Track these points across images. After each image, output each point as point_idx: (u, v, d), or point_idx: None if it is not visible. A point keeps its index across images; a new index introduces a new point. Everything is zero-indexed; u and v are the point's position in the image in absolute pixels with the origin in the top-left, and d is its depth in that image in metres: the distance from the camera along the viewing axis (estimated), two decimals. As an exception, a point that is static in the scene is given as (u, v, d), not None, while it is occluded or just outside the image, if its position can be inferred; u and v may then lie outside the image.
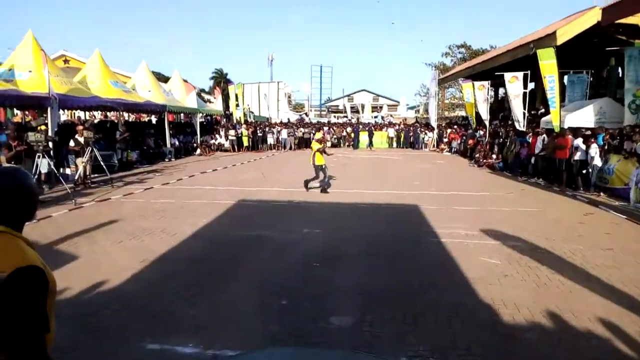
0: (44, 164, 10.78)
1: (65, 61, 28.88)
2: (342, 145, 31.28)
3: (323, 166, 11.62)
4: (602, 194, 11.37)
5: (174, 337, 3.98)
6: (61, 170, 13.27)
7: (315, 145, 11.80)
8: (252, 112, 40.79)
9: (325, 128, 32.20)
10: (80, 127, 12.95)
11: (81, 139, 12.28)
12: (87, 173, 12.64)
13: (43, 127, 12.08)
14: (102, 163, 12.36)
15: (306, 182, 11.79)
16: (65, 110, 25.40)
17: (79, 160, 12.46)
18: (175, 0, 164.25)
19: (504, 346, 3.85)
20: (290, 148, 28.97)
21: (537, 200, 10.95)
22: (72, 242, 6.96)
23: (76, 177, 12.46)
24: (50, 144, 11.43)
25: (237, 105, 32.98)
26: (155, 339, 3.96)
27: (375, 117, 49.20)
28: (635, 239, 7.29)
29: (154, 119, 29.07)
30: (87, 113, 26.66)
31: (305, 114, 56.37)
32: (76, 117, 25.74)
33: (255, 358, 3.35)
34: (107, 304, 4.69)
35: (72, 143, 12.66)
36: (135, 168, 17.25)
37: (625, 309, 4.50)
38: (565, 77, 19.98)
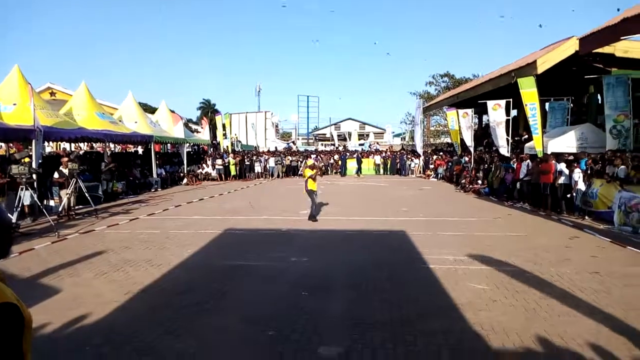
0: (27, 196, 10.65)
1: (52, 94, 28.90)
2: (329, 172, 31.42)
3: (315, 192, 11.66)
4: (586, 217, 11.51)
5: (158, 372, 3.87)
6: (45, 202, 13.10)
7: (307, 172, 11.82)
8: (240, 142, 40.93)
9: (313, 156, 32.36)
10: (65, 159, 12.86)
11: (65, 171, 12.18)
12: (72, 205, 12.48)
13: (27, 160, 11.95)
14: (86, 194, 12.23)
15: (310, 217, 11.58)
16: (51, 142, 25.31)
17: (63, 192, 12.32)
18: (161, 32, 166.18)
19: (494, 373, 3.80)
20: (278, 176, 29.02)
21: (524, 224, 11.03)
22: (55, 275, 6.81)
23: (60, 209, 12.30)
24: (34, 176, 11.30)
25: (225, 134, 33.09)
26: (139, 374, 3.84)
27: (362, 144, 49.57)
28: (621, 262, 7.35)
29: (140, 150, 28.99)
30: (73, 145, 26.50)
31: (293, 142, 56.60)
32: (61, 149, 25.56)
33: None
34: (90, 338, 4.56)
35: (56, 175, 12.54)
36: (120, 199, 17.06)
37: (613, 332, 4.50)
38: (547, 104, 20.45)
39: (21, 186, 10.06)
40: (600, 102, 20.52)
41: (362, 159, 31.48)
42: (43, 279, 6.60)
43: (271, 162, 29.41)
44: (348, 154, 33.91)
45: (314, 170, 11.88)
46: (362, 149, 40.41)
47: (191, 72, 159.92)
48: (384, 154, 33.00)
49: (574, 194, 12.10)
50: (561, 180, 12.36)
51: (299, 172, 29.69)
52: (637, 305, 5.29)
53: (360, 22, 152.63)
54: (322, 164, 31.32)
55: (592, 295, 5.66)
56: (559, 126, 19.47)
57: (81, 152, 24.18)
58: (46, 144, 23.96)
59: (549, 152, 14.90)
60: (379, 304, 5.45)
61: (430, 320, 4.92)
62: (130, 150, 30.73)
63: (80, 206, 13.27)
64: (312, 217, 11.50)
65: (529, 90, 15.81)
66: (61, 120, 15.09)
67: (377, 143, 54.15)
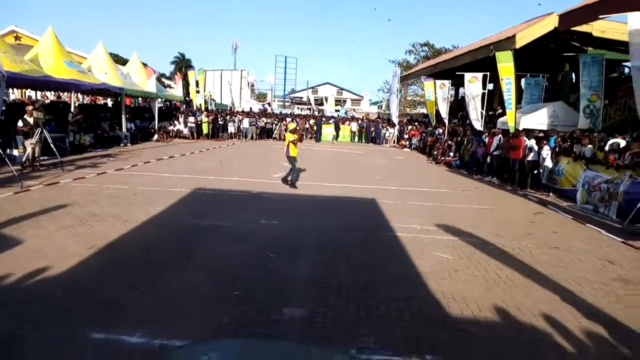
0: (-12, 144, 10.24)
1: (16, 37, 27.52)
2: (304, 137, 31.22)
3: (296, 158, 11.29)
4: (551, 194, 11.84)
5: (120, 326, 3.85)
6: (8, 151, 12.63)
7: (289, 136, 11.26)
8: (214, 100, 40.14)
9: (288, 119, 32.04)
10: (30, 107, 12.33)
11: (30, 120, 11.73)
12: (36, 155, 12.10)
13: (-12, 106, 11.43)
14: (52, 145, 11.84)
15: (284, 179, 11.38)
16: (15, 90, 24.26)
17: (27, 142, 11.90)
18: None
19: (451, 340, 3.93)
20: (252, 138, 28.68)
21: (491, 198, 11.29)
22: (17, 226, 6.63)
23: (24, 159, 11.91)
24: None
25: (198, 91, 32.34)
26: (101, 328, 3.81)
27: (338, 110, 49.35)
28: (580, 238, 7.62)
29: (110, 103, 28.11)
30: (39, 93, 25.45)
31: (268, 104, 55.87)
32: (26, 97, 24.55)
33: (202, 349, 3.28)
34: (51, 291, 4.48)
35: (20, 123, 12.07)
36: (88, 152, 16.61)
37: (567, 305, 4.69)
38: (523, 80, 20.63)
39: (-18, 133, 9.66)
40: (574, 80, 20.86)
41: (340, 126, 31.36)
42: (4, 229, 6.42)
43: (245, 122, 28.97)
44: (324, 119, 33.69)
45: (296, 135, 11.34)
46: (338, 115, 40.27)
47: (165, 23, 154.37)
48: (360, 122, 32.93)
49: (541, 171, 12.39)
50: (530, 156, 12.62)
51: (273, 135, 29.46)
52: (592, 280, 5.52)
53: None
54: (304, 127, 31.02)
55: (550, 269, 5.87)
56: (534, 102, 19.73)
57: (47, 102, 23.29)
58: (10, 91, 22.97)
59: (520, 128, 15.14)
60: (344, 269, 5.53)
61: (393, 286, 5.02)
62: (99, 103, 29.73)
63: (45, 157, 12.86)
64: (292, 184, 11.22)
65: (505, 65, 15.90)
66: (26, 66, 14.38)
67: (354, 110, 54.04)
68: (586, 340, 3.99)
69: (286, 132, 12.48)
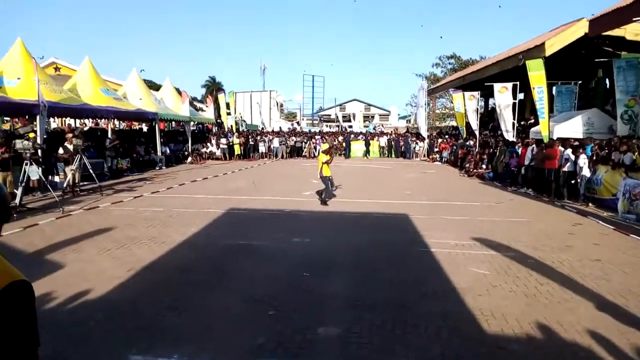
0: (32, 171, 10.68)
1: (56, 69, 28.72)
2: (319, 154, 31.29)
3: (330, 177, 11.29)
4: (590, 204, 11.46)
5: (158, 348, 3.92)
6: (50, 178, 13.16)
7: (322, 157, 11.27)
8: (244, 121, 40.82)
9: (317, 137, 32.25)
10: (70, 135, 12.84)
11: (70, 147, 12.19)
12: (76, 181, 12.54)
13: (31, 135, 11.95)
14: (91, 171, 12.27)
15: (321, 200, 11.37)
16: (56, 118, 25.32)
17: (67, 168, 12.37)
18: (168, 7, 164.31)
19: (491, 357, 3.84)
20: (282, 157, 28.99)
21: (527, 210, 11.01)
22: (59, 250, 6.88)
23: (65, 185, 12.37)
24: (39, 152, 11.34)
25: (229, 113, 32.98)
26: (139, 350, 3.89)
27: (367, 126, 49.39)
28: (622, 249, 7.34)
29: (145, 127, 28.97)
30: (78, 121, 26.48)
31: (297, 123, 56.43)
32: (66, 125, 25.57)
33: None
34: (92, 313, 4.62)
35: (61, 150, 12.56)
36: (125, 176, 17.13)
37: (613, 320, 4.51)
38: (554, 88, 20.20)
39: (26, 161, 10.08)
40: (608, 87, 20.28)
41: (370, 141, 31.39)
42: (47, 254, 6.67)
43: (275, 142, 29.34)
44: (352, 135, 33.75)
45: (329, 156, 11.34)
46: (366, 131, 40.30)
47: (196, 49, 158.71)
48: (389, 137, 32.83)
49: (579, 180, 12.03)
50: (566, 166, 12.28)
51: (303, 153, 29.69)
52: (637, 293, 5.30)
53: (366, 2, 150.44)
54: (334, 144, 31.07)
55: (593, 282, 5.67)
56: (566, 111, 19.26)
57: (85, 129, 24.19)
58: (51, 119, 24.00)
59: (554, 137, 14.78)
60: (379, 286, 5.48)
61: (430, 303, 4.95)
62: (134, 128, 30.70)
63: (85, 183, 13.33)
64: (323, 201, 11.25)
65: (536, 73, 15.61)
66: (65, 95, 15.06)
67: (382, 125, 53.95)
68: (636, 357, 3.82)
69: (319, 152, 12.44)
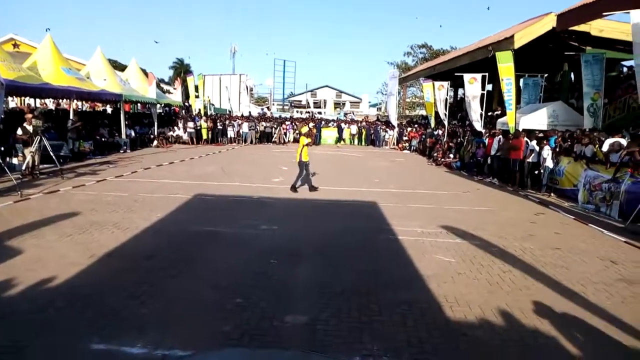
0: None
1: (15, 45, 27.58)
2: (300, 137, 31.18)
3: (308, 162, 11.15)
4: (552, 194, 11.81)
5: (121, 337, 3.82)
6: (7, 160, 12.62)
7: (303, 140, 11.08)
8: (213, 104, 40.08)
9: (288, 122, 32.02)
10: (29, 115, 12.32)
11: (30, 128, 11.71)
12: (36, 163, 12.06)
13: (-13, 114, 11.44)
14: (51, 153, 11.82)
15: (310, 187, 11.16)
16: (14, 97, 24.26)
17: (27, 150, 11.89)
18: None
19: (455, 344, 3.90)
20: (252, 142, 28.66)
21: (492, 199, 11.25)
22: (17, 235, 6.59)
23: (23, 168, 11.88)
24: (-5, 132, 10.85)
25: (197, 96, 32.35)
26: (102, 339, 3.78)
27: (338, 113, 49.38)
28: (582, 239, 7.59)
29: (109, 109, 28.10)
30: (38, 101, 25.48)
31: (268, 107, 55.85)
32: (25, 105, 24.55)
33: (206, 359, 3.26)
34: (52, 301, 4.46)
35: (19, 131, 12.06)
36: (87, 159, 16.59)
37: (571, 307, 4.66)
38: (521, 80, 20.63)
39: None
40: (573, 80, 20.86)
41: (343, 128, 31.46)
42: (4, 239, 6.38)
43: (245, 127, 28.93)
44: (324, 122, 33.67)
45: (310, 139, 11.07)
46: (337, 118, 40.30)
47: (164, 29, 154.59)
48: (359, 124, 32.90)
49: (542, 171, 12.36)
50: (531, 157, 12.59)
51: (273, 139, 29.45)
52: (595, 280, 5.49)
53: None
54: (297, 131, 30.89)
55: (553, 270, 5.84)
56: (532, 103, 19.73)
57: (46, 109, 23.30)
58: (9, 99, 22.98)
59: (520, 129, 15.12)
60: (346, 274, 5.50)
61: (396, 290, 4.99)
62: (98, 109, 29.73)
63: (45, 165, 12.84)
64: (294, 187, 11.13)
65: (506, 65, 15.90)
66: (25, 74, 14.39)
67: (353, 112, 54.08)
68: (592, 343, 3.96)
69: (299, 135, 12.15)
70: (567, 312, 4.55)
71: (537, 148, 12.53)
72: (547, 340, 3.99)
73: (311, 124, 31.64)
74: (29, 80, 14.29)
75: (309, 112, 53.23)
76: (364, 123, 33.81)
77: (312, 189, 11.15)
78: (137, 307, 4.41)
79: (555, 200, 11.29)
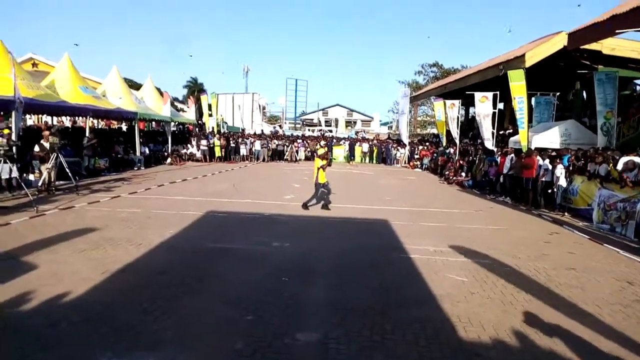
0: (5, 169, 10.44)
1: (34, 64, 28.25)
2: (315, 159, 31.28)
3: (326, 184, 11.12)
4: (566, 213, 11.68)
5: (134, 352, 3.84)
6: (24, 176, 12.84)
7: (318, 162, 11.03)
8: (226, 123, 40.53)
9: (300, 141, 32.21)
10: (46, 133, 12.58)
11: (46, 145, 11.95)
12: (52, 180, 12.27)
13: (6, 131, 11.66)
14: (67, 170, 12.01)
15: (305, 205, 11.13)
16: (32, 115, 24.77)
17: (43, 167, 12.11)
18: (150, 5, 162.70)
19: (469, 364, 3.86)
20: (264, 160, 28.86)
21: (504, 218, 11.16)
22: (32, 251, 6.68)
23: (40, 184, 12.08)
24: (14, 149, 11.06)
25: (210, 115, 32.73)
26: (115, 354, 3.80)
27: (350, 132, 49.61)
28: (596, 259, 7.48)
29: (124, 127, 28.54)
30: (55, 118, 25.98)
31: (280, 126, 56.30)
32: (42, 122, 25.02)
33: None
34: (66, 316, 4.50)
35: (36, 148, 12.30)
36: (102, 176, 16.83)
37: (586, 328, 4.59)
38: (533, 99, 20.60)
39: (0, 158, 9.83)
40: (585, 99, 20.76)
41: (355, 146, 31.56)
42: (20, 254, 6.47)
43: (257, 145, 29.18)
44: (335, 140, 33.82)
45: (325, 161, 11.00)
46: (348, 136, 40.47)
47: (179, 49, 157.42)
48: (370, 143, 32.99)
49: (555, 190, 12.25)
50: (544, 176, 12.49)
51: (285, 157, 29.62)
52: (611, 301, 5.41)
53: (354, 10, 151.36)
54: (309, 149, 30.97)
55: (568, 290, 5.77)
56: (544, 121, 19.64)
57: (63, 126, 23.72)
58: (27, 116, 23.47)
59: (532, 147, 15.05)
60: (358, 292, 5.48)
61: (408, 309, 4.96)
62: (113, 127, 30.19)
63: (61, 182, 13.04)
64: (305, 205, 11.10)
65: (518, 84, 15.90)
66: (43, 92, 14.74)
67: (364, 131, 54.25)
68: (608, 365, 3.89)
69: (315, 157, 11.99)
70: (583, 333, 4.48)
71: (549, 167, 12.44)
72: (563, 362, 3.93)
73: (322, 142, 31.91)
74: (47, 98, 14.63)
75: (320, 131, 53.50)
76: (375, 141, 33.88)
77: (325, 207, 11.13)
78: (150, 323, 4.43)
79: (569, 219, 11.17)
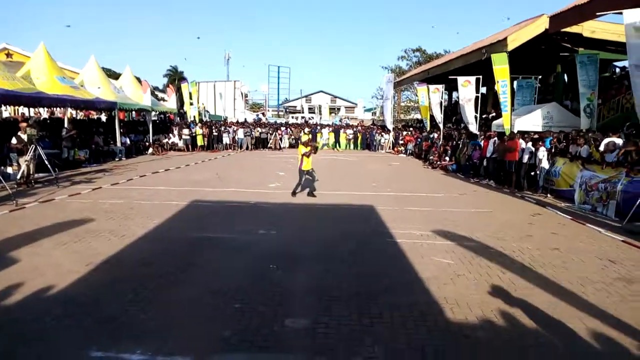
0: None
1: (8, 55, 27.50)
2: (299, 146, 31.16)
3: (310, 171, 11.08)
4: (548, 195, 11.84)
5: (120, 344, 3.78)
6: (2, 169, 12.55)
7: (301, 149, 11.01)
8: (208, 111, 40.11)
9: (283, 128, 32.02)
10: (24, 124, 12.26)
11: (24, 136, 11.65)
12: (31, 172, 11.99)
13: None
14: (46, 162, 11.75)
15: (293, 192, 11.11)
16: (8, 107, 24.16)
17: (21, 159, 11.82)
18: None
19: (456, 346, 3.89)
20: (247, 148, 28.62)
21: (489, 201, 11.26)
22: (12, 244, 6.54)
23: (18, 177, 11.80)
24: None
25: (192, 103, 32.31)
26: (100, 347, 3.74)
27: (334, 118, 49.52)
28: (580, 239, 7.60)
29: (103, 117, 28.03)
30: (32, 110, 25.37)
31: (263, 113, 55.93)
32: (19, 114, 24.43)
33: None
34: (49, 310, 4.41)
35: (14, 140, 12.00)
36: (83, 167, 16.53)
37: (570, 307, 4.66)
38: (515, 82, 20.72)
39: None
40: (566, 82, 20.98)
41: (340, 133, 31.51)
42: (0, 248, 6.33)
43: (240, 133, 28.89)
44: (319, 127, 33.70)
45: (309, 147, 10.97)
46: (332, 122, 40.38)
47: (158, 37, 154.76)
48: (354, 129, 32.95)
49: (538, 172, 12.39)
50: (526, 158, 12.62)
51: (268, 145, 29.44)
52: (594, 280, 5.49)
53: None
54: (293, 136, 30.79)
55: (552, 270, 5.84)
56: (527, 104, 19.80)
57: (41, 118, 23.20)
58: (2, 108, 22.89)
59: (515, 130, 15.18)
60: (345, 277, 5.47)
61: (395, 293, 4.97)
62: (93, 117, 29.63)
63: (41, 174, 12.77)
64: (294, 192, 11.09)
65: (501, 67, 15.95)
66: (19, 83, 14.33)
67: (348, 117, 54.18)
68: (592, 342, 3.95)
69: (300, 144, 11.92)
70: (567, 311, 4.54)
71: (532, 149, 12.57)
72: (547, 340, 3.98)
73: (306, 129, 31.78)
74: (23, 89, 14.21)
75: (303, 118, 53.27)
76: (359, 127, 33.85)
77: (310, 194, 11.10)
78: (136, 314, 4.37)
79: (551, 201, 11.32)
